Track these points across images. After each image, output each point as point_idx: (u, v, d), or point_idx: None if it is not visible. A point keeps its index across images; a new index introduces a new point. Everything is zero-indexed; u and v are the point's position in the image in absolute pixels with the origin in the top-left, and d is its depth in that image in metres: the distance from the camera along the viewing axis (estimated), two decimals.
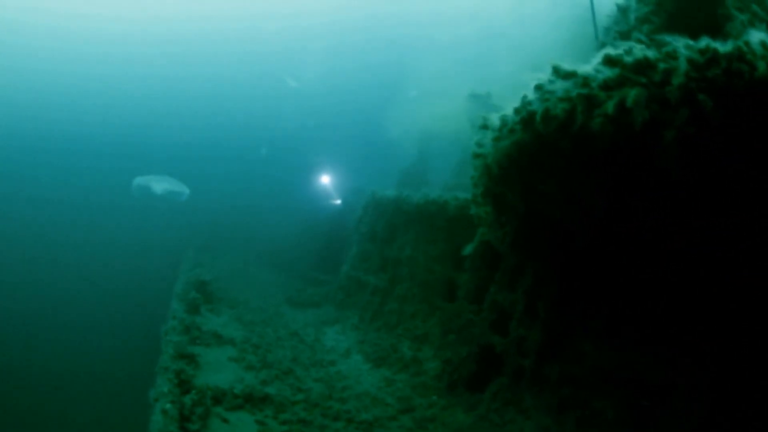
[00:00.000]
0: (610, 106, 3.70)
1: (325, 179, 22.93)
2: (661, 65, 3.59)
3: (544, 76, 4.47)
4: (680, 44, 3.65)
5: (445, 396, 8.47)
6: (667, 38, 3.72)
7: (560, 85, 4.25)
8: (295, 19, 36.05)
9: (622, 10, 6.88)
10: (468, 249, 7.95)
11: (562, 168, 4.78)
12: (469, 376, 8.52)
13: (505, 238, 6.90)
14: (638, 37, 4.66)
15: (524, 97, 4.59)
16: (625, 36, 6.32)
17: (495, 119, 5.38)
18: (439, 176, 17.68)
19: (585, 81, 4.08)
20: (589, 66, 4.17)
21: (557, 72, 4.31)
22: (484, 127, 5.55)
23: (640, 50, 3.75)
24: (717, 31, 5.76)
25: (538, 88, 4.43)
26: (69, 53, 38.67)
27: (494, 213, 6.68)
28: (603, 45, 7.01)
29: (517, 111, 4.62)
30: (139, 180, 23.65)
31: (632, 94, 3.56)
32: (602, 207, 4.90)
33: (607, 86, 3.82)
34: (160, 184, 23.22)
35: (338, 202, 22.15)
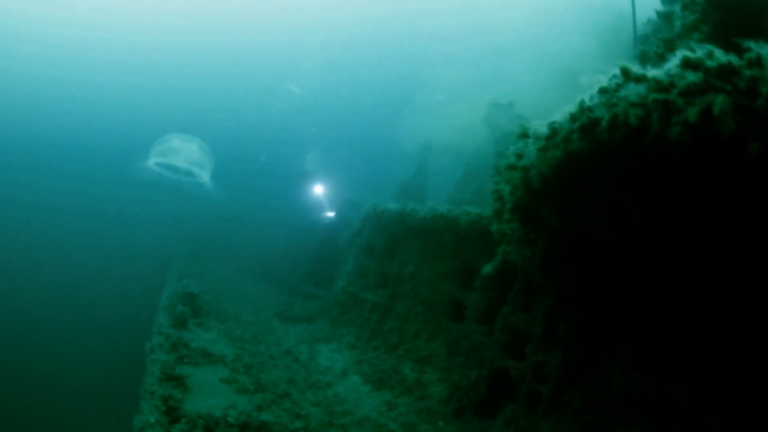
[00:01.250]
0: (692, 114, 3.25)
1: (318, 189, 22.37)
2: (746, 72, 3.16)
3: (604, 79, 4.00)
4: (765, 51, 3.23)
5: (452, 422, 8.05)
6: (750, 44, 3.29)
7: (632, 89, 3.77)
8: (300, 32, 35.64)
9: (665, 17, 6.51)
10: (488, 268, 7.44)
11: (620, 181, 4.31)
12: (478, 401, 8.14)
13: (533, 258, 6.41)
14: (689, 45, 4.22)
15: (581, 102, 4.11)
16: (669, 44, 5.94)
17: (541, 127, 4.89)
18: (438, 190, 17.28)
19: (662, 85, 3.61)
20: (660, 70, 3.71)
21: (627, 75, 3.84)
22: (524, 136, 5.06)
23: (722, 54, 3.31)
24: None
25: (604, 91, 3.95)
26: (60, 58, 37.84)
27: (522, 230, 6.19)
28: (642, 53, 6.65)
29: (573, 117, 4.14)
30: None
31: (719, 102, 3.13)
32: (655, 224, 4.45)
33: (689, 92, 3.36)
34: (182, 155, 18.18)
35: (331, 214, 21.62)
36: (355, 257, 12.83)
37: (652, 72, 3.67)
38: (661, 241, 4.79)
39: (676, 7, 6.22)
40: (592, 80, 4.33)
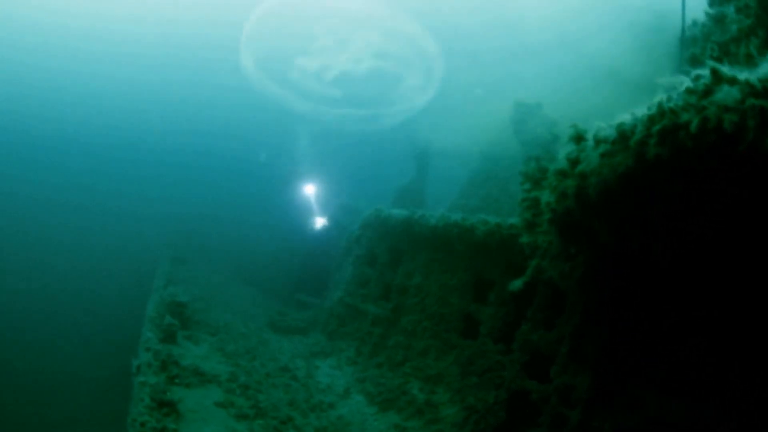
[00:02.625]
0: None
1: (310, 189, 21.50)
2: None
3: (688, 81, 3.43)
4: None
5: None
6: None
7: (725, 93, 3.21)
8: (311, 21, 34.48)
9: (716, 20, 6.01)
10: (517, 284, 6.83)
11: (697, 191, 3.75)
12: (497, 425, 7.61)
13: (572, 273, 5.82)
14: (749, 51, 3.71)
15: (660, 103, 3.53)
16: (724, 47, 5.43)
17: (603, 130, 4.29)
18: (437, 196, 16.72)
19: (757, 90, 3.07)
20: (752, 74, 3.17)
21: (717, 76, 3.27)
22: (579, 139, 4.45)
23: None
24: None
25: (690, 93, 3.37)
26: (55, 49, 36.28)
27: (562, 243, 5.60)
28: (693, 57, 6.15)
29: (652, 119, 3.56)
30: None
31: None
32: (722, 238, 3.92)
33: None
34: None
35: (321, 221, 20.84)
36: (355, 266, 12.13)
37: (743, 75, 3.14)
38: (720, 258, 4.29)
39: (729, 10, 5.72)
40: (671, 81, 3.75)
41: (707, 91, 3.42)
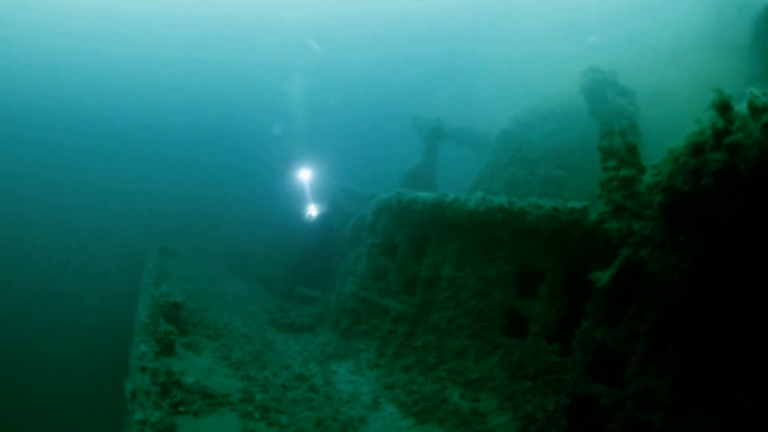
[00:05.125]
0: None
1: (305, 175, 20.13)
2: None
3: None
4: None
5: None
6: None
7: None
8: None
9: None
10: (605, 277, 5.72)
11: None
12: None
13: (679, 265, 4.72)
14: None
15: None
16: None
17: (759, 97, 3.26)
18: (448, 180, 15.54)
19: None
20: None
21: None
22: (724, 107, 3.39)
23: None
24: None
25: None
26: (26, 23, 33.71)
27: (670, 230, 4.50)
28: None
29: None
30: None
31: None
32: None
33: None
34: None
35: (318, 207, 19.54)
36: (369, 256, 10.87)
37: None
38: None
39: None
40: None
41: None
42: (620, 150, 5.65)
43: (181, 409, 5.75)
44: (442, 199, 8.73)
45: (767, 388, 5.31)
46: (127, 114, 30.25)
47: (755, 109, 3.37)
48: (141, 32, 33.55)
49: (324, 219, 17.21)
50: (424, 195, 9.26)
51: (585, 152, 11.38)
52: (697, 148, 3.75)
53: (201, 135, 27.97)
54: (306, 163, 20.33)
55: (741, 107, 3.54)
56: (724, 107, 3.58)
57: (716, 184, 3.69)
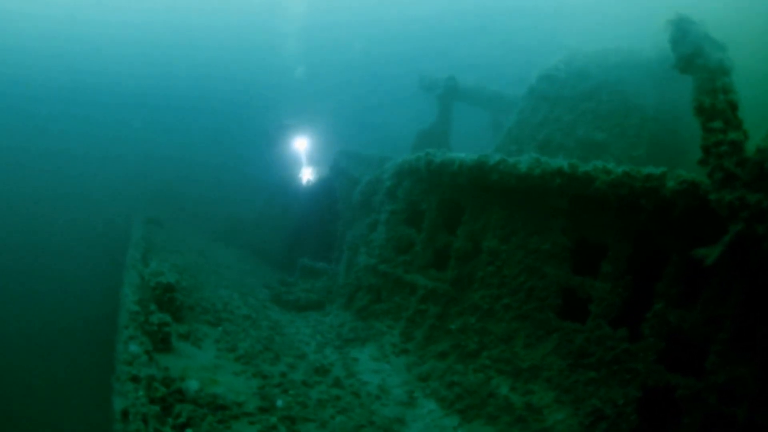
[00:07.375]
0: None
1: (301, 144, 18.83)
2: None
3: None
4: None
5: None
6: None
7: None
8: None
9: None
10: (714, 254, 4.56)
11: None
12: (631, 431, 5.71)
13: None
14: None
15: None
16: None
17: None
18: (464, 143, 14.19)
19: None
20: None
21: None
22: None
23: None
24: None
25: None
26: None
27: None
28: None
29: None
30: None
31: None
32: None
33: None
34: None
35: (309, 171, 18.21)
36: (389, 225, 9.59)
37: None
38: None
39: None
40: None
41: None
42: (725, 109, 4.62)
43: (188, 431, 4.47)
44: (485, 161, 7.42)
45: None
46: (108, 72, 28.11)
47: None
48: None
49: (324, 183, 15.82)
50: (461, 156, 7.93)
51: (628, 114, 10.31)
52: None
53: (187, 95, 26.07)
54: (303, 128, 18.93)
55: None
56: None
57: None
